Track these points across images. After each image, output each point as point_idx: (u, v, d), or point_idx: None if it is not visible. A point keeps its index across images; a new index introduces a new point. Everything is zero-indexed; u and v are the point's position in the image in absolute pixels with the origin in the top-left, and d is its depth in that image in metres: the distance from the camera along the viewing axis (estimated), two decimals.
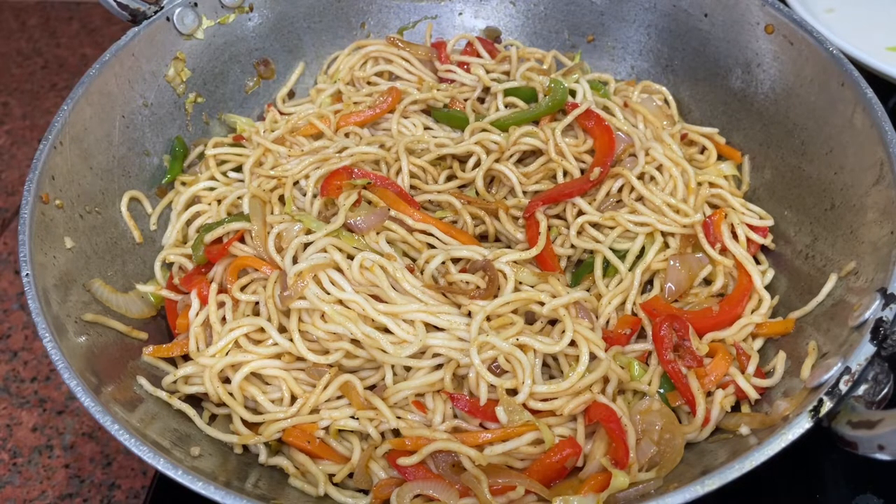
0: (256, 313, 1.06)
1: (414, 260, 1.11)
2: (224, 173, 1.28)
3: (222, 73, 1.38)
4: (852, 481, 1.08)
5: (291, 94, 1.46)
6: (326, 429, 1.00)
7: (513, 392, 0.97)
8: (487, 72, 1.37)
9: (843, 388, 0.83)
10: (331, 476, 0.98)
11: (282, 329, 1.04)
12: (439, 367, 1.01)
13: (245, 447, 1.02)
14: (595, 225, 1.16)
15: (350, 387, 1.01)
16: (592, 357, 1.00)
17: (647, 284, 1.14)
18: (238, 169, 1.29)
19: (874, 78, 1.32)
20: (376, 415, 0.99)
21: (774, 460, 0.79)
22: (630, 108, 1.29)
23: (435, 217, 1.16)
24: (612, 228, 1.15)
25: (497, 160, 1.22)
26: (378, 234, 1.10)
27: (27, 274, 0.96)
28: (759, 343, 1.08)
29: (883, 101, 1.05)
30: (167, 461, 0.82)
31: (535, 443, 0.95)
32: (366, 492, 0.97)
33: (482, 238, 1.20)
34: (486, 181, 1.23)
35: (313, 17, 1.45)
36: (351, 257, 1.04)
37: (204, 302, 1.08)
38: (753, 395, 1.00)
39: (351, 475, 0.98)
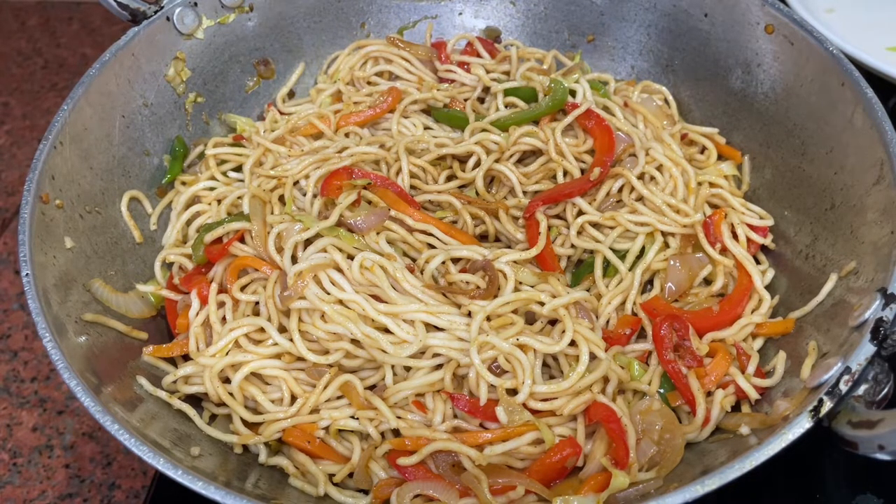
0: (256, 313, 1.06)
1: (414, 260, 1.11)
2: (224, 173, 1.28)
3: (222, 72, 1.38)
4: (852, 481, 1.08)
5: (291, 94, 1.46)
6: (326, 429, 1.00)
7: (513, 392, 0.97)
8: (487, 72, 1.37)
9: (843, 387, 0.83)
10: (331, 476, 0.98)
11: (282, 329, 1.04)
12: (439, 367, 1.01)
13: (245, 447, 1.02)
14: (595, 225, 1.16)
15: (350, 387, 1.01)
16: (592, 357, 1.00)
17: (648, 284, 1.14)
18: (238, 169, 1.29)
19: (874, 78, 1.32)
20: (376, 415, 0.99)
21: (774, 460, 0.79)
22: (630, 108, 1.29)
23: (435, 217, 1.16)
24: (612, 228, 1.15)
25: (497, 160, 1.22)
26: (378, 234, 1.10)
27: (27, 274, 0.96)
28: (759, 343, 1.08)
29: (883, 101, 1.05)
30: (167, 461, 0.82)
31: (536, 443, 0.95)
32: (366, 492, 0.97)
33: (482, 238, 1.20)
34: (486, 181, 1.23)
35: (313, 17, 1.45)
36: (351, 257, 1.04)
37: (204, 302, 1.08)
38: (753, 394, 1.00)
39: (351, 475, 0.98)
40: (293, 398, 1.02)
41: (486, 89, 1.36)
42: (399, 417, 0.99)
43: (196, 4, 1.30)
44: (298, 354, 1.01)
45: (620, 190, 1.18)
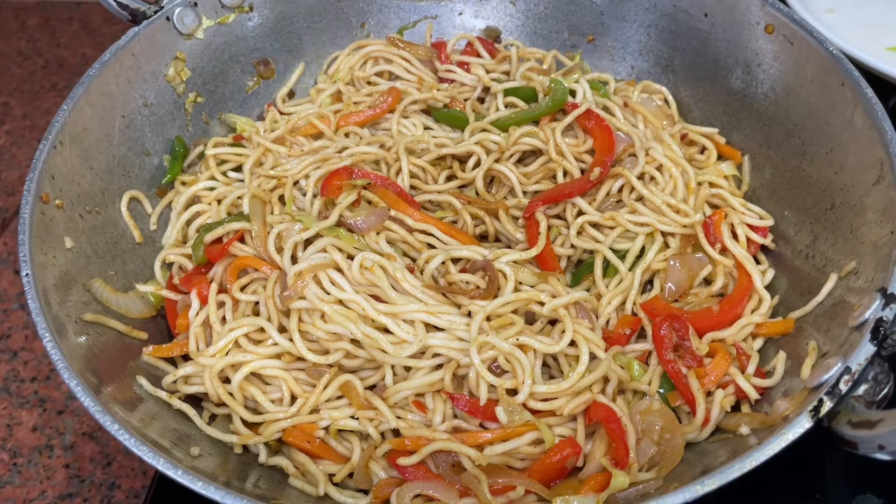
0: (256, 313, 1.06)
1: (414, 260, 1.11)
2: (224, 173, 1.28)
3: (222, 72, 1.38)
4: (852, 481, 1.08)
5: (291, 94, 1.46)
6: (326, 429, 1.00)
7: (513, 392, 0.97)
8: (487, 72, 1.37)
9: (843, 387, 0.83)
10: (331, 476, 0.98)
11: (282, 329, 1.04)
12: (439, 367, 1.01)
13: (245, 447, 1.02)
14: (595, 225, 1.16)
15: (350, 387, 1.01)
16: (592, 357, 1.00)
17: (647, 284, 1.14)
18: (238, 169, 1.29)
19: (874, 78, 1.32)
20: (376, 415, 0.99)
21: (774, 460, 0.79)
22: (630, 108, 1.29)
23: (435, 217, 1.16)
24: (612, 228, 1.15)
25: (497, 160, 1.22)
26: (378, 234, 1.10)
27: (27, 274, 0.96)
28: (759, 343, 1.08)
29: (883, 101, 1.05)
30: (167, 461, 0.82)
31: (535, 443, 0.95)
32: (366, 492, 0.97)
33: (482, 238, 1.20)
34: (486, 181, 1.23)
35: (313, 17, 1.45)
36: (351, 257, 1.04)
37: (204, 302, 1.08)
38: (753, 394, 1.00)
39: (351, 475, 0.98)
40: (293, 398, 1.02)
41: (486, 89, 1.36)
42: (399, 417, 0.99)
43: (196, 4, 1.30)
44: (298, 354, 1.01)
45: (620, 190, 1.18)
